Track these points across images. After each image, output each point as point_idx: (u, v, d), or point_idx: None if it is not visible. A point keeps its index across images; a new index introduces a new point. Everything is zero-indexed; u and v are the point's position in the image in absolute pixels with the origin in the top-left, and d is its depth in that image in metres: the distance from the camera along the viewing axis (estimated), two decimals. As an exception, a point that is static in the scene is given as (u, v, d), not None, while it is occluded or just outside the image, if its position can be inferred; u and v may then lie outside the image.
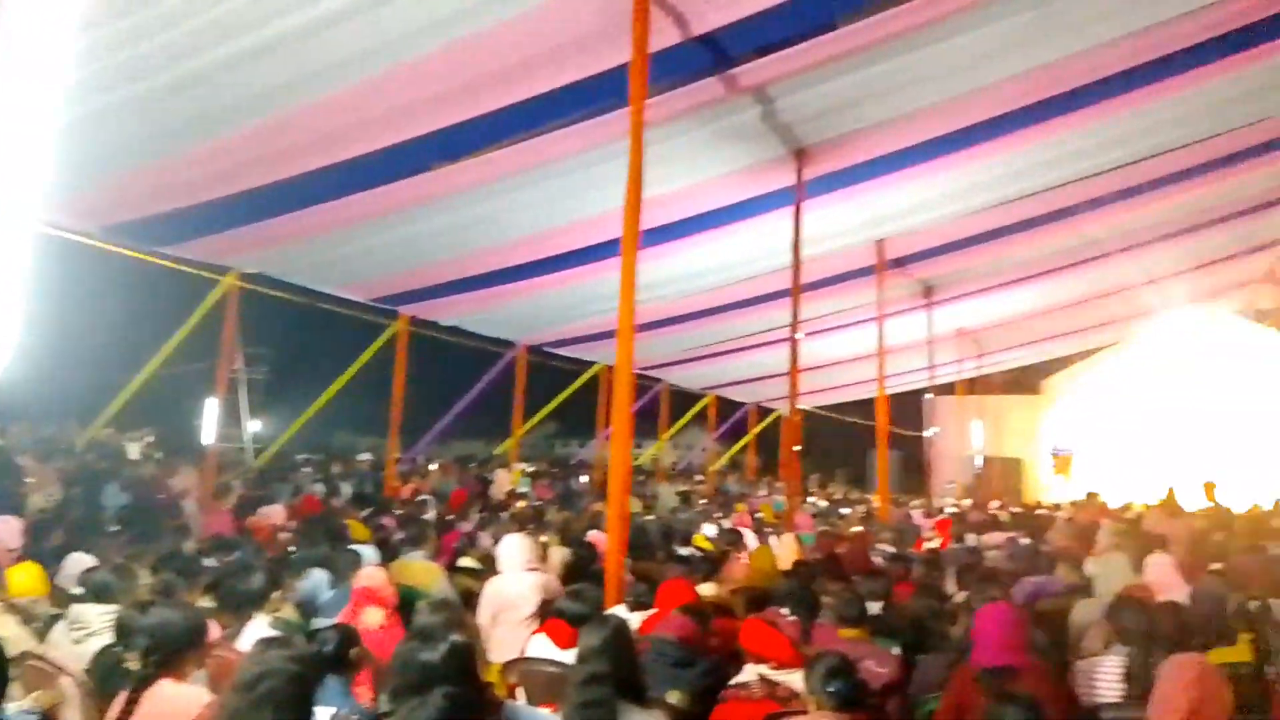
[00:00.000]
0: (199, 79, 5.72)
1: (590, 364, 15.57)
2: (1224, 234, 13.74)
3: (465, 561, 6.82)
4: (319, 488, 11.62)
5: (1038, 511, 14.28)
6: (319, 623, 4.62)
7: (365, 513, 9.00)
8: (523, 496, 12.21)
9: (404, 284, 10.24)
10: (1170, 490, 10.37)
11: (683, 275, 10.46)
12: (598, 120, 6.66)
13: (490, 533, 7.94)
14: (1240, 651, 4.10)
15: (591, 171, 7.42)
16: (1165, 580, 5.52)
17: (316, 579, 5.28)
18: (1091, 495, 13.50)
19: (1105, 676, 3.78)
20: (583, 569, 6.44)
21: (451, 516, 9.33)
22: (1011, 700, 2.85)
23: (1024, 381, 23.95)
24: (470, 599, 5.63)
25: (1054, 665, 4.30)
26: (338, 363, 12.72)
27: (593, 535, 7.39)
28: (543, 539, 7.35)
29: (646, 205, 5.38)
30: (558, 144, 7.02)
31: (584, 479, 17.13)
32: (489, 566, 6.04)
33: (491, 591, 5.31)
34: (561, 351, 14.52)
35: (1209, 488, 10.62)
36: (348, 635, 3.68)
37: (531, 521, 8.91)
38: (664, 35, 5.65)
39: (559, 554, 6.80)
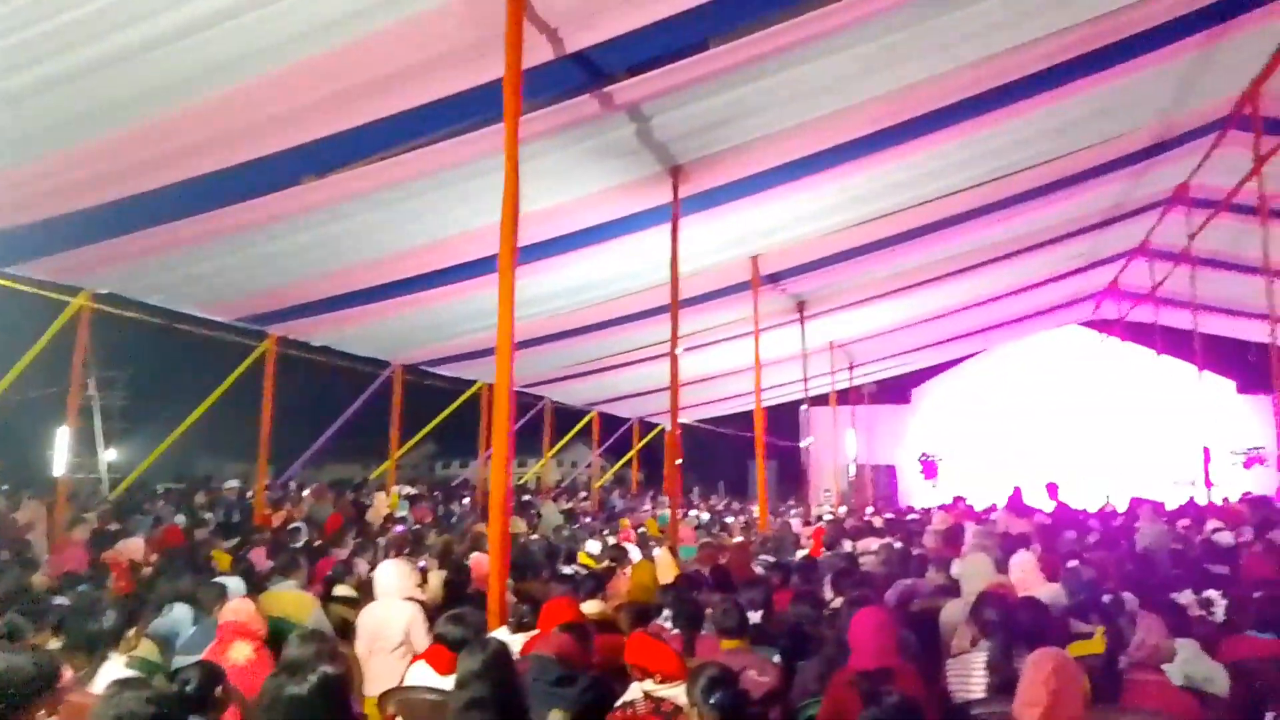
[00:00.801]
0: (49, 84, 5.38)
1: (470, 382, 15.34)
2: (1070, 248, 14.65)
3: (340, 590, 6.58)
4: (181, 518, 11.04)
5: (909, 516, 14.81)
6: (180, 661, 4.37)
7: (232, 543, 8.59)
8: (401, 520, 11.91)
9: (272, 303, 9.86)
10: (1016, 490, 10.93)
11: (562, 291, 10.45)
12: (472, 135, 6.59)
13: (366, 559, 7.70)
14: (1095, 644, 4.33)
15: (467, 186, 7.34)
16: (1027, 578, 5.80)
17: (178, 614, 5.00)
18: (957, 499, 14.10)
19: (973, 673, 3.93)
20: (463, 592, 6.33)
21: (326, 543, 9.01)
22: (885, 701, 2.93)
23: (894, 391, 24.88)
24: (346, 628, 5.44)
25: (926, 665, 4.46)
26: (202, 386, 12.13)
27: (474, 558, 7.26)
28: (421, 563, 7.18)
29: (524, 221, 5.36)
30: (431, 158, 6.91)
31: (465, 500, 16.84)
32: (365, 594, 5.85)
33: (367, 620, 5.14)
34: (440, 370, 14.26)
35: (1052, 488, 11.24)
36: (211, 673, 3.49)
37: (410, 546, 8.69)
38: (538, 52, 5.63)
39: (438, 578, 6.65)
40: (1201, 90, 9.41)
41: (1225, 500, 14.48)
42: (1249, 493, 15.88)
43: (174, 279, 8.81)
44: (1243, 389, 21.87)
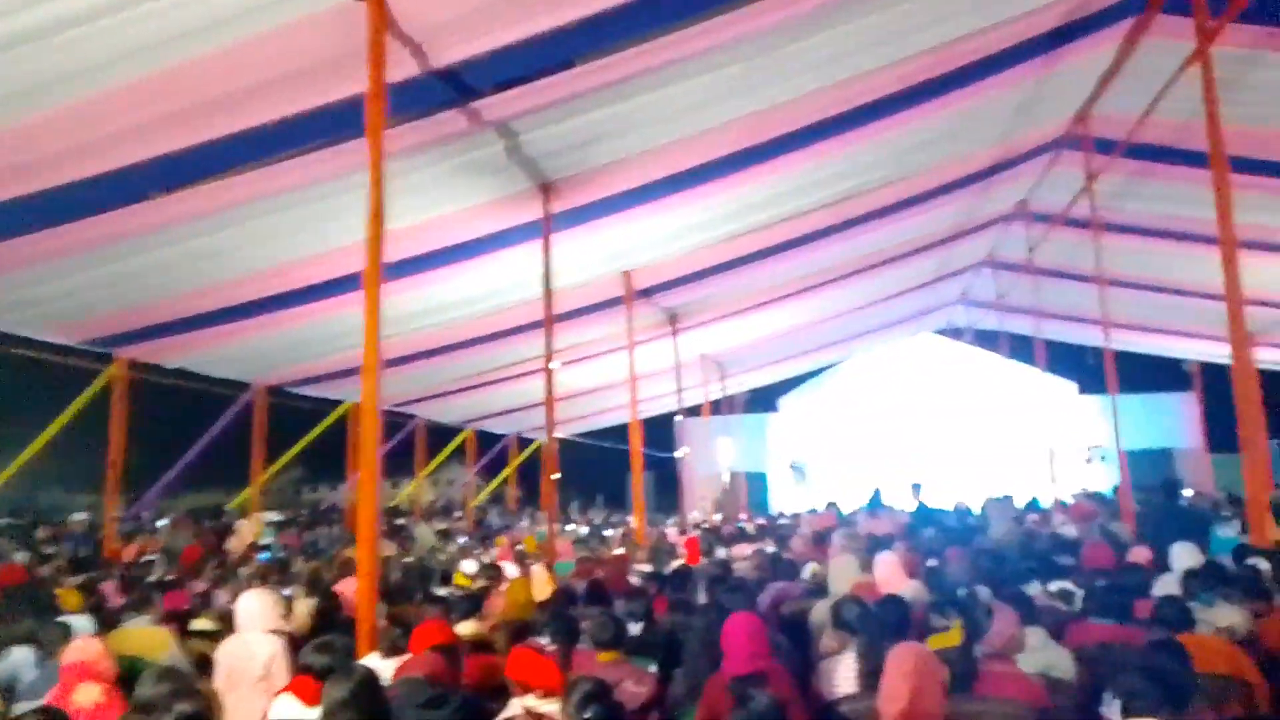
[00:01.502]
0: None
1: (337, 403, 14.90)
2: (923, 261, 15.41)
3: (199, 623, 6.27)
4: (22, 555, 10.30)
5: (780, 521, 15.20)
6: (21, 707, 4.09)
7: (79, 579, 8.07)
8: (265, 548, 11.44)
9: (121, 324, 9.33)
10: (876, 492, 11.37)
11: (433, 308, 10.30)
12: (336, 150, 6.45)
13: (228, 590, 7.37)
14: (952, 637, 4.56)
15: (330, 202, 7.17)
16: (890, 576, 6.05)
17: (18, 658, 4.68)
18: (828, 504, 14.53)
19: (842, 672, 4.08)
20: (332, 620, 6.14)
21: (183, 575, 8.58)
22: (755, 704, 3.01)
23: (764, 399, 25.48)
24: (205, 664, 5.19)
25: (798, 666, 4.60)
26: (44, 414, 11.35)
27: (344, 584, 7.05)
28: (288, 592, 6.92)
29: (391, 237, 5.27)
30: (293, 173, 6.72)
31: (335, 525, 16.31)
32: (227, 627, 5.60)
33: (227, 653, 4.92)
34: (305, 391, 13.79)
35: (912, 489, 11.74)
36: (53, 718, 3.28)
37: (275, 574, 8.36)
38: (402, 67, 5.57)
39: (305, 607, 6.42)
40: (1038, 113, 10.09)
41: (1073, 496, 15.47)
42: (1088, 489, 17.01)
43: (11, 300, 8.24)
44: (1083, 390, 23.46)
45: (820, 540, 9.38)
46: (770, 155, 8.53)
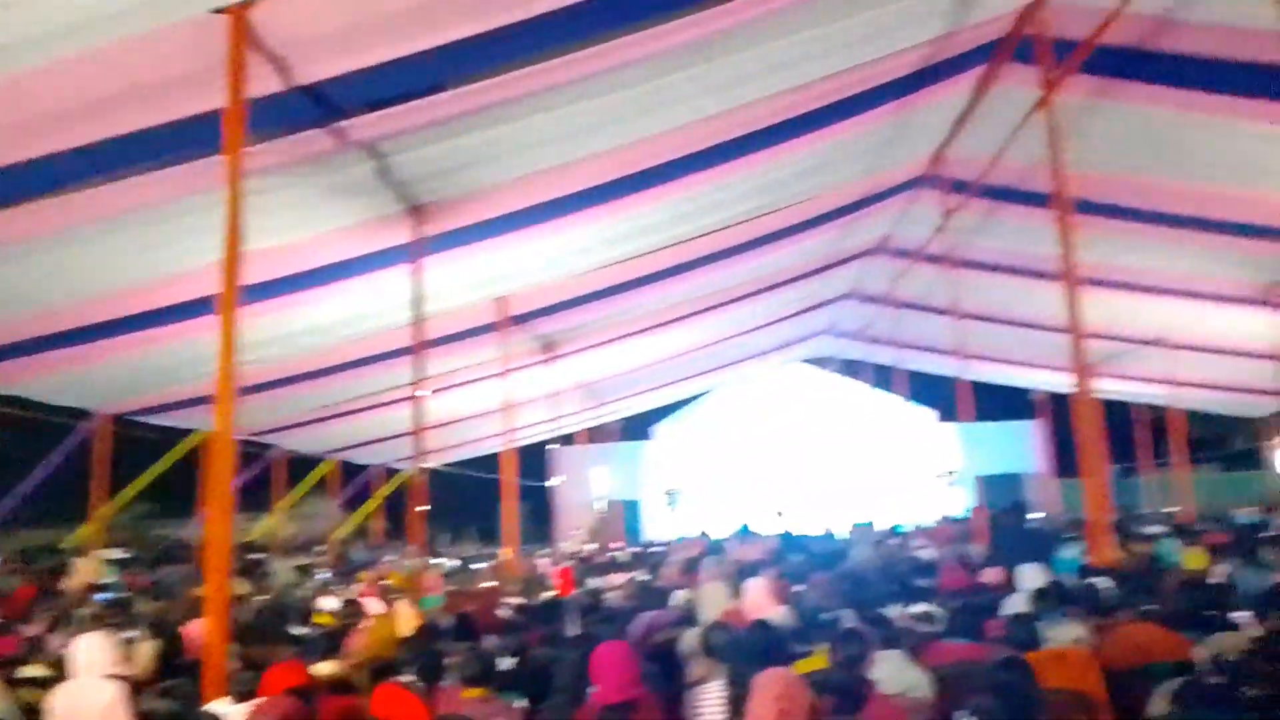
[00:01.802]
0: None
1: (189, 432, 14.10)
2: (791, 292, 15.87)
3: (29, 670, 5.77)
4: None
5: (652, 550, 15.24)
6: None
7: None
8: (105, 588, 10.69)
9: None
10: (748, 519, 11.56)
11: (295, 333, 9.88)
12: (190, 166, 6.13)
13: (62, 633, 6.82)
14: (819, 660, 4.63)
15: (185, 221, 6.80)
16: (759, 602, 6.12)
17: None
18: (699, 532, 14.66)
19: (708, 700, 4.07)
20: (177, 663, 5.77)
21: (10, 620, 7.90)
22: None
23: (638, 428, 25.59)
24: (34, 713, 4.78)
25: (669, 695, 4.57)
26: None
27: (191, 625, 6.63)
28: (129, 634, 6.45)
29: (250, 259, 5.03)
30: (144, 190, 6.34)
31: (184, 563, 15.40)
32: (59, 673, 5.17)
33: (59, 702, 4.54)
34: (154, 420, 12.97)
35: (780, 515, 11.99)
36: None
37: (115, 615, 7.80)
38: (264, 82, 5.36)
39: (149, 649, 6.01)
40: (900, 151, 10.58)
41: (937, 520, 16.11)
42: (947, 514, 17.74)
43: None
44: (942, 418, 24.57)
45: (690, 568, 9.44)
46: (645, 185, 8.62)
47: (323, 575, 13.16)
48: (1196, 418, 23.42)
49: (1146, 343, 16.44)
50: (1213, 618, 5.24)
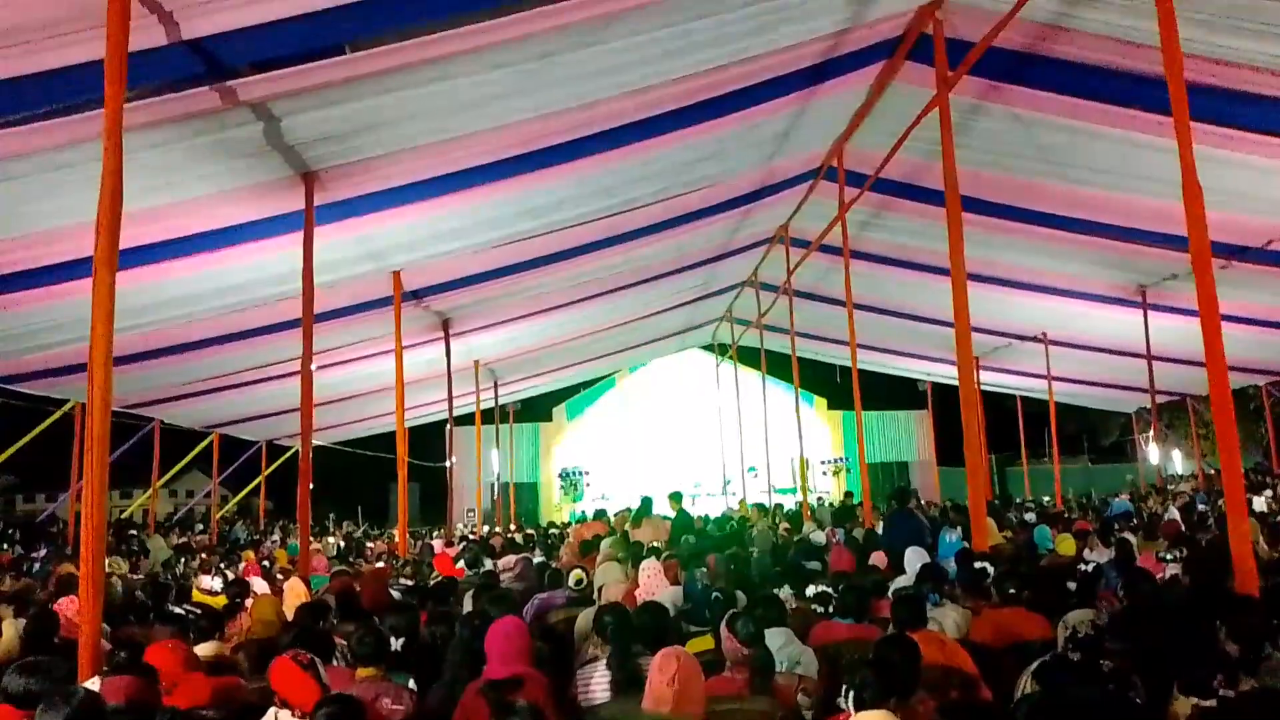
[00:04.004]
0: None
1: (61, 402, 13.36)
2: (692, 279, 16.00)
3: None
4: None
5: (549, 531, 15.21)
6: None
7: None
8: (-36, 565, 10.06)
9: None
10: (645, 500, 11.64)
11: (177, 300, 9.44)
12: (64, 120, 5.76)
13: (-88, 615, 6.37)
14: (708, 641, 4.70)
15: (57, 176, 6.39)
16: (652, 583, 6.17)
17: None
18: (596, 512, 14.68)
19: (597, 678, 4.08)
20: (47, 643, 5.46)
21: None
22: (510, 708, 2.95)
23: (536, 409, 25.47)
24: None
25: (558, 675, 4.56)
26: None
27: (62, 602, 6.30)
28: (-10, 613, 6.09)
29: (128, 220, 4.76)
30: (11, 142, 5.93)
31: (54, 539, 14.63)
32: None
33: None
34: (21, 388, 12.23)
35: (673, 500, 12.11)
36: None
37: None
38: (148, 34, 5.07)
39: (13, 628, 5.68)
40: (800, 143, 10.74)
41: (828, 504, 16.56)
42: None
43: None
44: (832, 406, 25.24)
45: (586, 549, 9.45)
46: (547, 162, 8.52)
47: (202, 554, 12.68)
48: (1071, 411, 24.75)
49: (1027, 338, 17.24)
50: (1079, 599, 5.53)
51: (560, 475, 24.81)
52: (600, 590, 6.28)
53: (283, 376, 13.24)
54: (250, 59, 5.75)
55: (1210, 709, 3.17)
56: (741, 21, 7.03)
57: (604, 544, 8.89)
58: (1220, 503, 9.52)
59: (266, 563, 11.44)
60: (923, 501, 17.10)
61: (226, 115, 6.23)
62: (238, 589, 7.66)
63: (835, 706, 3.70)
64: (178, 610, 6.53)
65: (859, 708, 3.11)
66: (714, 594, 5.25)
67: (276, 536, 17.18)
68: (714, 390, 22.74)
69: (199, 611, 6.16)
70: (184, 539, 15.17)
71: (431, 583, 7.83)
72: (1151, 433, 18.45)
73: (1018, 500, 18.51)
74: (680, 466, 22.45)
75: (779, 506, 16.98)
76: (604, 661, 4.05)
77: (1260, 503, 13.96)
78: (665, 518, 11.76)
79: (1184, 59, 5.10)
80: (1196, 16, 6.37)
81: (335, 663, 4.64)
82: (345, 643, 4.72)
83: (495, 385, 20.06)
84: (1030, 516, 12.78)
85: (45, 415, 13.51)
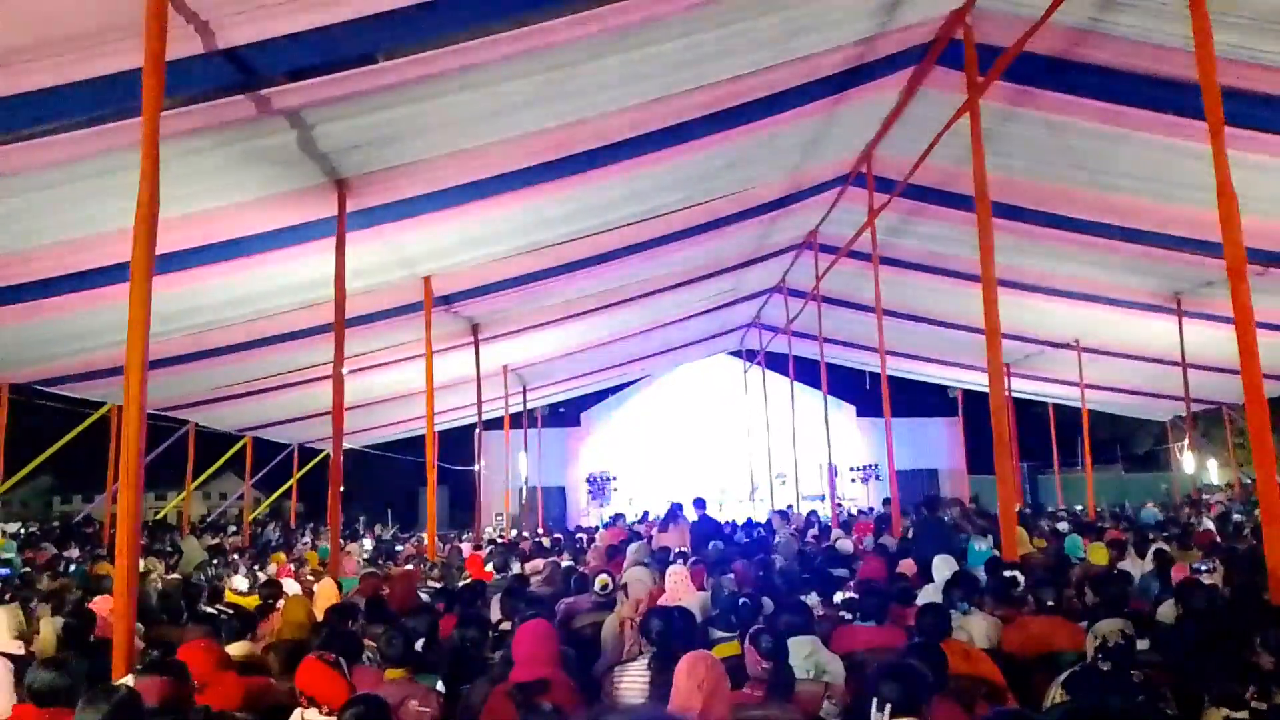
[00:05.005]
0: None
1: (97, 405, 13.59)
2: (719, 284, 15.99)
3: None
4: None
5: (577, 535, 15.24)
6: None
7: None
8: (5, 564, 10.27)
9: None
10: (673, 506, 11.63)
11: (211, 305, 9.59)
12: (103, 128, 5.87)
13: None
14: (735, 646, 4.69)
15: (96, 184, 6.52)
16: (679, 588, 6.18)
17: None
18: (615, 517, 14.70)
19: (629, 680, 4.10)
20: (83, 641, 5.56)
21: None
22: (537, 710, 2.96)
23: (565, 414, 25.54)
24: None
25: (585, 679, 4.58)
26: None
27: (97, 601, 6.41)
28: (32, 609, 6.21)
29: (164, 227, 4.86)
30: (52, 149, 6.05)
31: (90, 539, 14.88)
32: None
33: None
34: (59, 390, 12.47)
35: (700, 503, 12.06)
36: None
37: (18, 590, 7.50)
38: (185, 43, 5.17)
39: (50, 626, 5.79)
40: (828, 149, 10.72)
41: (855, 513, 16.47)
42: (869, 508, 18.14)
43: None
44: (861, 413, 25.09)
45: (614, 554, 9.47)
46: (577, 169, 8.57)
47: (234, 555, 12.84)
48: (1103, 419, 24.42)
49: (1059, 345, 17.04)
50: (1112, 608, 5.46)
51: (588, 480, 24.85)
52: (624, 594, 6.28)
53: (315, 380, 13.39)
54: (284, 68, 5.83)
55: (1240, 719, 3.13)
56: (768, 30, 7.04)
57: (630, 549, 8.90)
58: (1256, 513, 9.36)
59: (297, 564, 11.56)
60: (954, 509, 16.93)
61: (261, 123, 6.32)
62: (270, 590, 7.75)
63: (861, 714, 3.69)
64: (210, 610, 6.64)
65: (893, 718, 3.10)
66: (741, 600, 5.24)
67: (307, 539, 17.34)
68: (742, 396, 22.69)
69: (231, 612, 6.26)
70: (217, 540, 15.35)
71: (460, 585, 7.88)
72: (1186, 441, 18.16)
73: (1049, 509, 18.29)
74: (708, 473, 22.39)
75: (813, 512, 16.88)
76: (645, 661, 4.05)
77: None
78: (691, 523, 11.75)
79: (1219, 64, 5.04)
80: (1231, 20, 6.29)
81: (365, 664, 4.69)
82: (374, 644, 4.77)
83: (524, 390, 20.14)
84: (1063, 525, 12.64)
85: (83, 418, 13.75)
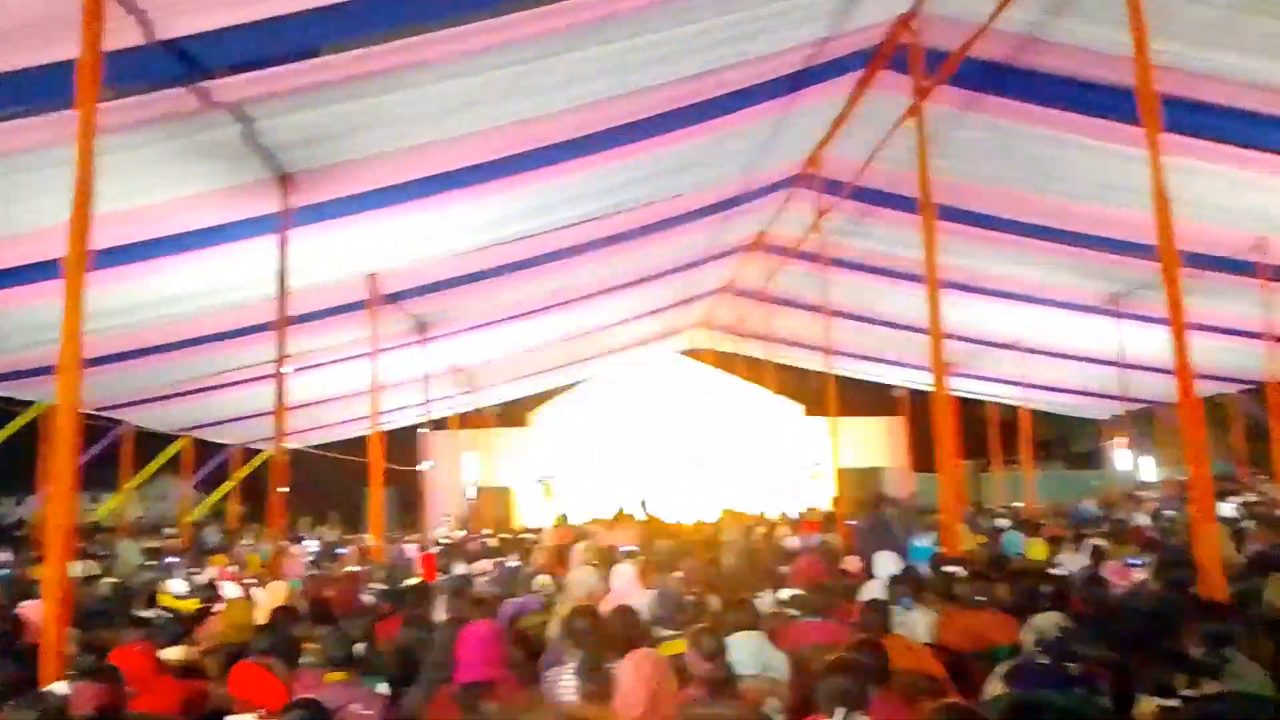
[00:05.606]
0: None
1: (28, 404, 13.16)
2: (669, 285, 16.04)
3: None
4: None
5: (523, 536, 15.15)
6: None
7: None
8: (-71, 569, 9.92)
9: None
10: (621, 507, 11.65)
11: (149, 303, 9.34)
12: (36, 120, 5.71)
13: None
14: (679, 645, 4.71)
15: (29, 177, 6.32)
16: (627, 588, 6.19)
17: None
18: (561, 517, 14.60)
19: (563, 681, 4.10)
20: (12, 646, 5.40)
21: None
22: (481, 712, 2.95)
23: (512, 414, 25.38)
24: None
25: (531, 680, 4.56)
26: None
27: (27, 606, 6.23)
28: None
29: (100, 222, 4.73)
30: (-20, 142, 5.87)
31: (20, 542, 14.43)
32: None
33: None
34: (-11, 390, 12.06)
35: (649, 502, 12.13)
36: None
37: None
38: (124, 34, 5.04)
39: (-25, 633, 5.61)
40: (777, 150, 10.80)
41: (804, 510, 16.62)
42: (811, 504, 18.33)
43: None
44: (808, 412, 25.31)
45: (560, 554, 9.45)
46: (524, 167, 8.52)
47: (172, 558, 12.55)
48: (1046, 418, 24.96)
49: (1001, 345, 17.39)
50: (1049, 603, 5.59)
51: (536, 480, 24.72)
52: (571, 595, 6.27)
53: (257, 379, 13.13)
54: (227, 61, 5.71)
55: (1173, 709, 3.22)
56: (728, 29, 7.07)
57: (576, 548, 8.89)
58: (1187, 509, 9.66)
59: (237, 567, 11.34)
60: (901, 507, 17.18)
61: (202, 117, 6.19)
62: (208, 593, 7.60)
63: (806, 711, 3.73)
64: (146, 614, 6.49)
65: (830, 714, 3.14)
66: (687, 598, 5.26)
67: (249, 540, 17.01)
68: (691, 396, 22.76)
69: (170, 615, 6.13)
70: (154, 544, 14.99)
71: (405, 586, 7.80)
72: (1122, 439, 18.66)
73: (986, 506, 18.65)
74: (656, 471, 22.43)
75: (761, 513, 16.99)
76: (571, 664, 4.05)
77: (1228, 509, 14.16)
78: (638, 522, 11.77)
79: (1159, 71, 5.18)
80: (1172, 29, 6.46)
81: (307, 668, 4.62)
82: (316, 647, 4.70)
83: (472, 390, 19.97)
84: (1002, 522, 12.90)
85: (11, 417, 13.31)
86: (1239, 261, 10.69)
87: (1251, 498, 15.27)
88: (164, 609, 6.91)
